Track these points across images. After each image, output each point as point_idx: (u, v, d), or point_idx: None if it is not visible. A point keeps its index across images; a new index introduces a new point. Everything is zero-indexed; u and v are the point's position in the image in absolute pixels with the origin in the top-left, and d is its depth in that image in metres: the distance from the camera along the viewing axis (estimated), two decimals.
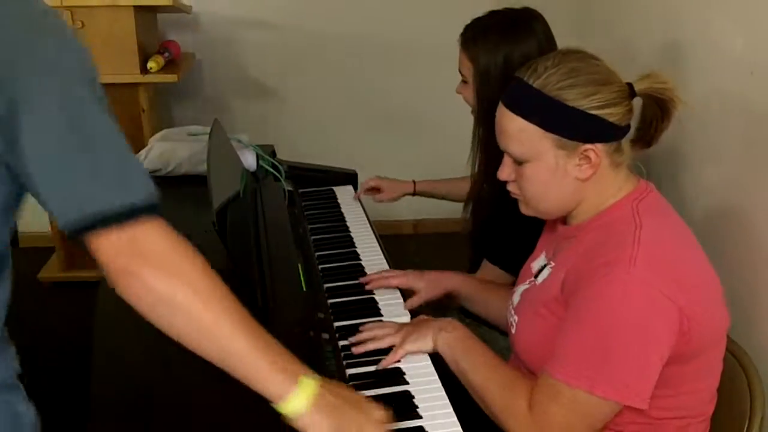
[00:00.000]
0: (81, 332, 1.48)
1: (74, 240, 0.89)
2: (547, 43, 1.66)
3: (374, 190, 2.18)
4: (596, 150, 1.21)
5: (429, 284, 1.60)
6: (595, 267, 1.16)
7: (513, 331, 1.38)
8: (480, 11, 1.71)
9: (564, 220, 1.35)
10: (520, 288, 1.41)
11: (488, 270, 1.72)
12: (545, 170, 1.24)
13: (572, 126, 1.20)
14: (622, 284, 1.12)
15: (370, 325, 1.44)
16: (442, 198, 2.22)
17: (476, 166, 1.79)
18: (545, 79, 1.21)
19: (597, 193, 1.26)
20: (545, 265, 1.35)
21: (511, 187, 1.31)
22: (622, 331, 1.11)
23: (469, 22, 1.71)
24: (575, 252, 1.25)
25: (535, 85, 1.21)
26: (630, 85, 1.23)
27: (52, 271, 3.18)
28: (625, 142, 1.25)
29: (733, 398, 1.29)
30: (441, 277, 1.63)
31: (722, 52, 1.64)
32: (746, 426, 1.30)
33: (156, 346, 1.27)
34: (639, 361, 1.13)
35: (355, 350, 1.38)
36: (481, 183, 1.79)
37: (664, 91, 1.24)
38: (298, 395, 0.99)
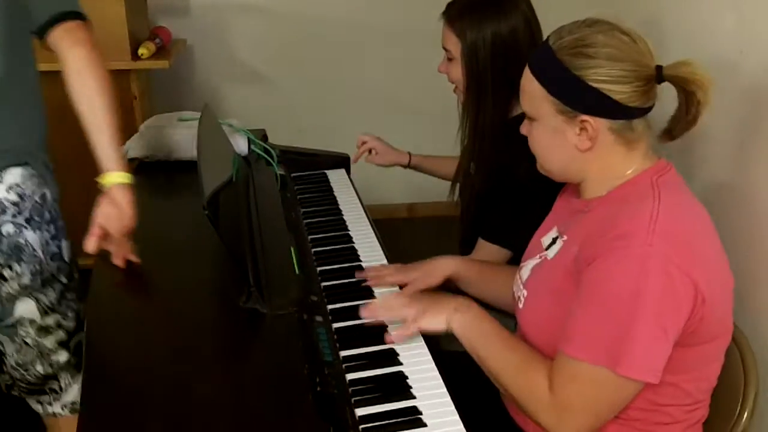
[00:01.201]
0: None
1: (43, 36, 1.51)
2: (532, 17, 1.66)
3: (369, 149, 2.17)
4: (593, 123, 1.19)
5: (423, 274, 1.56)
6: (611, 239, 1.14)
7: (520, 306, 1.36)
8: None
9: (578, 193, 1.33)
10: (531, 262, 1.38)
11: (484, 248, 1.71)
12: (546, 132, 1.25)
13: (571, 94, 1.19)
14: (641, 257, 1.10)
15: (385, 294, 1.42)
16: (435, 174, 2.20)
17: (463, 142, 1.79)
18: (560, 42, 1.20)
19: (603, 167, 1.24)
20: (556, 238, 1.34)
21: (529, 143, 1.31)
22: (641, 306, 1.09)
23: None
24: (588, 225, 1.24)
25: (552, 47, 1.21)
26: (659, 68, 1.19)
27: None
28: (642, 122, 1.22)
29: (727, 374, 1.29)
30: (436, 264, 1.60)
31: (712, 29, 1.63)
32: (740, 401, 1.31)
33: (148, 334, 1.29)
34: (657, 336, 1.11)
35: (366, 313, 1.38)
36: (469, 159, 1.79)
37: (686, 82, 1.17)
38: (122, 176, 1.52)
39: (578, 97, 1.19)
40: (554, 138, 1.24)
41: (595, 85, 1.17)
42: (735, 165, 1.56)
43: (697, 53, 1.66)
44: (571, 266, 1.22)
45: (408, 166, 2.19)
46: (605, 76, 1.17)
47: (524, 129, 1.31)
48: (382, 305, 1.40)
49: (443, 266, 1.59)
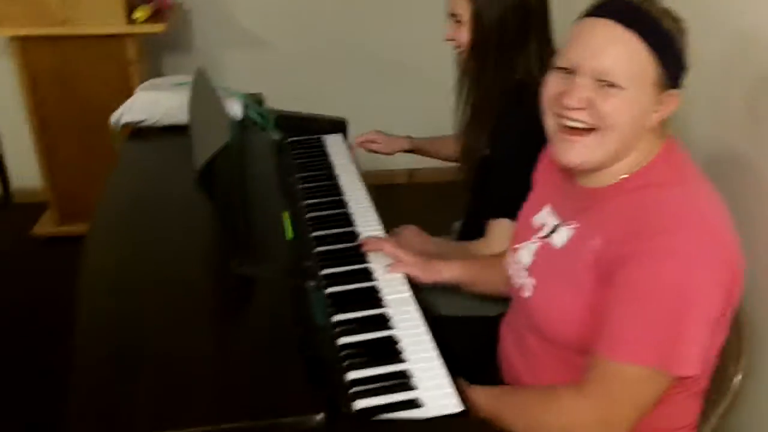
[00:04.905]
0: (75, 287, 1.48)
1: None
2: None
3: (370, 141, 2.17)
4: (675, 98, 1.16)
5: (423, 271, 1.49)
6: (649, 237, 1.09)
7: (527, 294, 1.30)
8: None
9: (571, 175, 1.28)
10: (530, 246, 1.33)
11: (497, 227, 1.65)
12: (635, 105, 1.14)
13: (676, 65, 1.15)
14: (685, 254, 1.07)
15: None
16: (437, 156, 2.21)
17: (461, 110, 1.78)
18: (661, 12, 1.15)
19: (640, 150, 1.19)
20: (558, 225, 1.29)
21: (583, 116, 1.16)
22: (692, 304, 1.07)
23: None
24: (608, 216, 1.18)
25: (653, 14, 1.14)
26: None
27: (45, 226, 3.16)
28: None
29: None
30: (440, 268, 1.51)
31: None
32: (732, 368, 1.31)
33: (140, 297, 1.29)
34: (704, 332, 1.10)
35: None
36: (471, 125, 1.77)
37: None
38: None
39: (678, 70, 1.15)
40: (637, 110, 1.14)
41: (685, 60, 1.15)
42: (746, 137, 1.53)
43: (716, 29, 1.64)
44: (591, 260, 1.17)
45: (410, 150, 2.20)
46: (686, 53, 1.15)
47: (578, 98, 1.15)
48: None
49: (446, 272, 1.52)
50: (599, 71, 1.13)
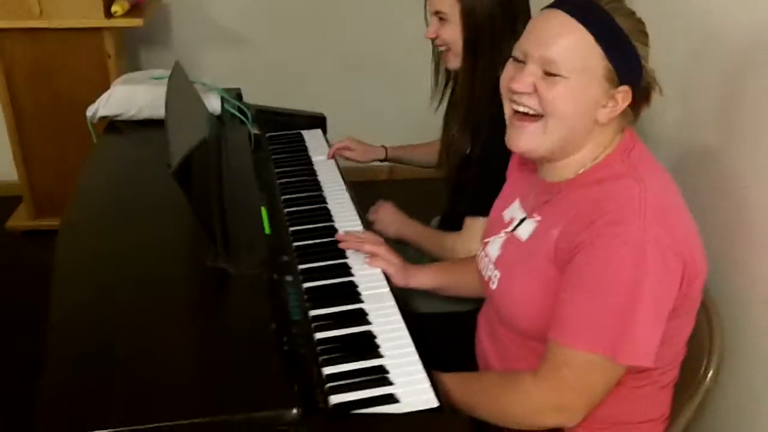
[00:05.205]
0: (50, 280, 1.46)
1: None
2: None
3: (345, 149, 2.12)
4: (628, 95, 1.16)
5: (397, 272, 1.48)
6: (602, 225, 1.10)
7: (493, 286, 1.32)
8: None
9: (536, 169, 1.30)
10: (497, 240, 1.35)
11: (472, 225, 1.65)
12: (580, 96, 1.15)
13: (628, 62, 1.15)
14: (637, 244, 1.08)
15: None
16: (413, 163, 2.19)
17: (449, 109, 1.77)
18: (618, 9, 1.16)
19: (596, 144, 1.21)
20: (524, 219, 1.31)
21: (531, 102, 1.19)
22: (640, 294, 1.08)
23: None
24: (566, 208, 1.20)
25: (606, 9, 1.15)
26: None
27: (20, 219, 3.14)
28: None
29: (693, 334, 1.30)
30: (414, 273, 1.52)
31: None
32: (705, 362, 1.32)
33: (114, 292, 1.27)
34: (656, 322, 1.11)
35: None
36: (458, 121, 1.77)
37: None
38: None
39: (630, 66, 1.15)
40: (584, 103, 1.16)
41: (641, 59, 1.16)
42: (712, 133, 1.54)
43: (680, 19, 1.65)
44: (551, 251, 1.19)
45: (385, 159, 2.17)
46: (644, 51, 1.16)
47: (527, 82, 1.18)
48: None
49: (417, 278, 1.52)
50: (545, 60, 1.15)
